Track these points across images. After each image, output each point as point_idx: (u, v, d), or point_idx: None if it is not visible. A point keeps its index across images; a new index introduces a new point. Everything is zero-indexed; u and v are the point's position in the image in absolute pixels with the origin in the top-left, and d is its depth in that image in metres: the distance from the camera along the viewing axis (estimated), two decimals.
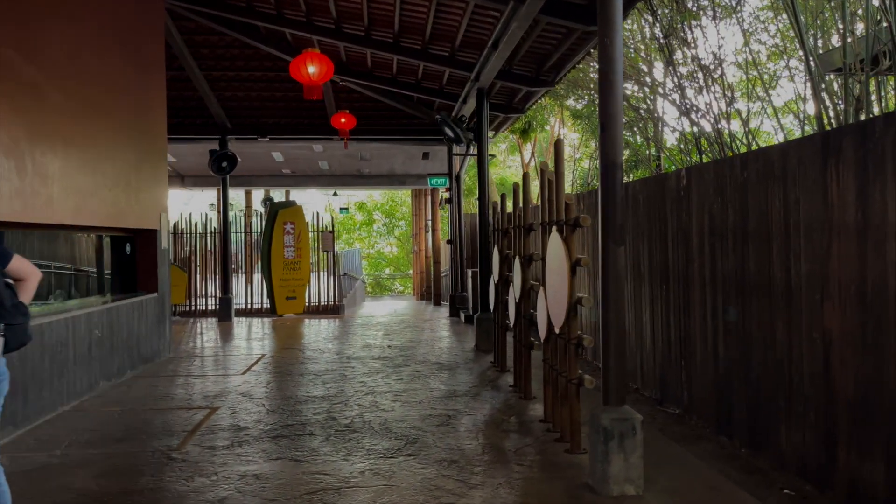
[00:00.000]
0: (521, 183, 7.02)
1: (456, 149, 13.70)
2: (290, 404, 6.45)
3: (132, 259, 8.81)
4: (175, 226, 15.15)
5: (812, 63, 6.70)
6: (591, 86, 13.11)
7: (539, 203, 6.08)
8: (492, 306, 8.46)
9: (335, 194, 24.22)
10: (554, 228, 5.29)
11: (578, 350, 5.04)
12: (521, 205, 6.82)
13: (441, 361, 8.68)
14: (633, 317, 7.44)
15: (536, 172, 22.99)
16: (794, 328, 4.49)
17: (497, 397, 6.68)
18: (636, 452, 4.04)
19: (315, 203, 44.37)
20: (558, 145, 5.24)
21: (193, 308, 14.90)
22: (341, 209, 29.82)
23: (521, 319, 6.75)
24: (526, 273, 6.59)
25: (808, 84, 6.95)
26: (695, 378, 5.98)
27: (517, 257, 6.85)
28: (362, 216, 38.87)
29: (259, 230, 15.52)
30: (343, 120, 11.59)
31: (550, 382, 5.66)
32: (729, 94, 9.33)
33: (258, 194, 24.69)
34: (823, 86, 7.04)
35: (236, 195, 26.36)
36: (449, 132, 9.43)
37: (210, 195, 22.33)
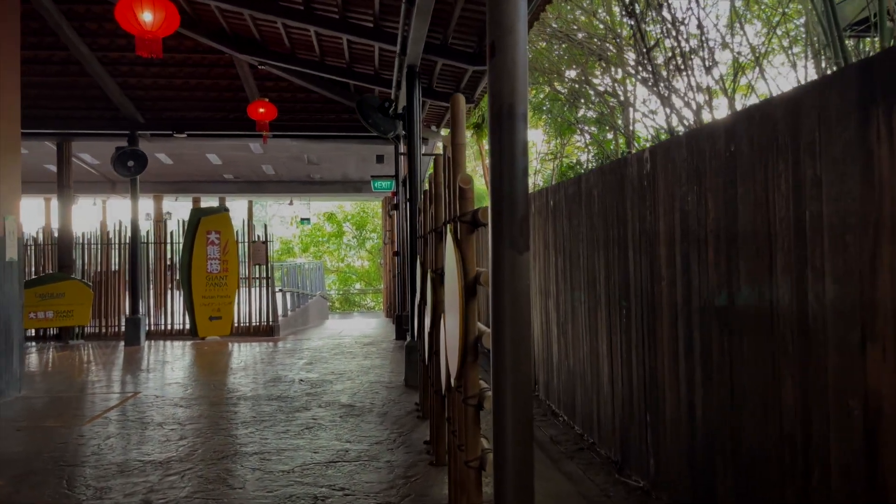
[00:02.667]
0: (439, 167, 5.24)
1: (403, 148, 12.00)
2: (102, 478, 4.63)
3: None
4: (82, 236, 13.28)
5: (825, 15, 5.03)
6: (546, 65, 11.42)
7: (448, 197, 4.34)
8: (416, 333, 6.73)
9: (290, 203, 22.40)
10: (448, 229, 3.57)
11: (479, 412, 3.31)
12: (432, 201, 5.09)
13: (353, 403, 6.90)
14: (587, 349, 5.72)
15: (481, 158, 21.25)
16: (814, 386, 2.77)
17: (401, 462, 4.90)
18: None
19: (279, 215, 42.55)
20: (455, 102, 3.50)
21: (104, 330, 13.02)
22: (302, 220, 28.02)
23: (434, 356, 5.01)
24: (438, 293, 4.84)
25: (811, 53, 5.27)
26: (664, 441, 4.25)
27: (428, 271, 5.12)
28: (332, 227, 37.04)
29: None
30: (262, 110, 9.85)
31: (452, 454, 3.92)
32: (714, 75, 7.71)
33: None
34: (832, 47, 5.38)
35: (176, 206, 24.44)
36: (368, 122, 7.71)
37: (147, 204, 20.48)
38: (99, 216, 18.75)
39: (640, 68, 8.72)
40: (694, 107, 7.08)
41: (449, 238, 3.48)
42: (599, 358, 5.48)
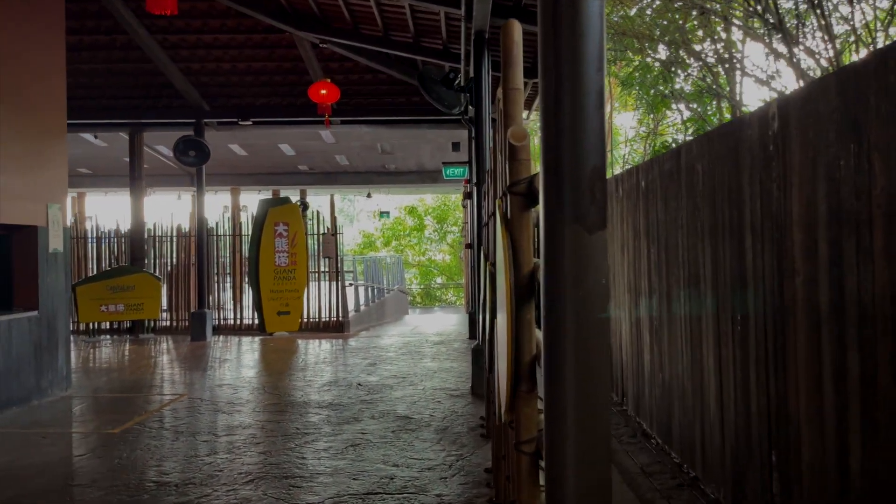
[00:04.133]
0: (496, 130, 4.28)
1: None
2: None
3: (1, 265, 6.59)
4: (153, 228, 13.09)
5: None
6: (640, 28, 10.00)
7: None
8: (480, 336, 5.85)
9: (369, 195, 21.93)
10: (497, 206, 2.64)
11: (537, 462, 2.37)
12: (493, 178, 4.15)
13: (411, 414, 6.06)
14: (687, 361, 4.64)
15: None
16: None
17: (453, 498, 4.01)
18: None
19: (367, 209, 42.56)
20: (508, 30, 2.54)
21: (175, 324, 12.79)
22: (382, 213, 27.61)
23: (493, 368, 4.08)
24: (493, 291, 3.89)
25: None
26: (799, 493, 3.16)
27: (488, 264, 4.20)
28: (413, 221, 36.52)
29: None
30: (323, 91, 9.17)
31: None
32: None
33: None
34: None
35: (256, 199, 24.29)
36: (431, 96, 6.82)
37: (225, 197, 20.45)
38: (180, 210, 18.84)
39: (755, 17, 7.28)
40: (826, 60, 5.77)
41: (497, 217, 2.55)
42: (704, 374, 4.39)
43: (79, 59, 10.17)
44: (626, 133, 17.09)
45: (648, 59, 10.86)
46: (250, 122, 11.40)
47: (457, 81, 6.83)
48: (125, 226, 12.78)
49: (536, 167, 2.04)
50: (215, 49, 10.03)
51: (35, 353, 6.60)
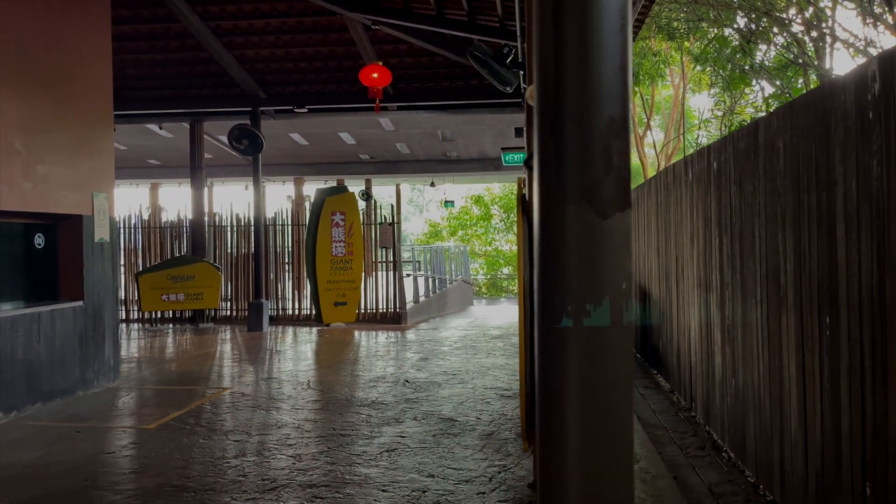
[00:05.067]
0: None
1: None
2: None
3: (46, 255, 6.54)
4: (214, 217, 13.12)
5: None
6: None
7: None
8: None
9: (432, 184, 21.57)
10: (518, 182, 2.18)
11: None
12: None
13: (455, 416, 5.65)
14: (764, 367, 4.05)
15: (662, 156, 18.72)
16: None
17: None
18: None
19: (433, 198, 42.34)
20: None
21: (235, 313, 12.79)
22: (446, 202, 27.21)
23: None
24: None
25: None
26: None
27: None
28: (480, 210, 36.01)
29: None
30: (375, 75, 8.80)
31: None
32: None
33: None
34: None
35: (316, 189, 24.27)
36: (485, 70, 6.36)
37: (289, 187, 20.52)
38: (248, 200, 18.96)
39: None
40: None
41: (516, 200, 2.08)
42: (784, 383, 3.78)
43: (136, 48, 10.19)
44: (701, 115, 16.02)
45: (726, 31, 9.93)
46: (306, 110, 11.20)
47: (510, 58, 6.35)
48: (187, 216, 12.87)
49: None
50: (268, 35, 9.83)
51: (80, 344, 6.53)
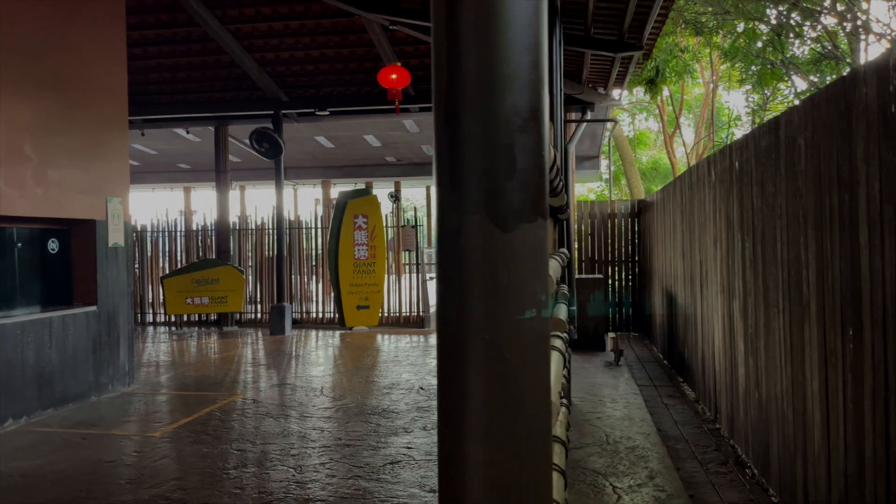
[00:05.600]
0: None
1: (570, 113, 10.31)
2: None
3: (60, 260, 6.55)
4: (238, 221, 13.14)
5: None
6: None
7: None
8: None
9: None
10: None
11: None
12: None
13: None
14: (787, 380, 3.80)
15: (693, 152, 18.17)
16: None
17: None
18: None
19: None
20: None
21: (260, 316, 12.79)
22: None
23: None
24: None
25: None
26: None
27: None
28: None
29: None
30: (393, 76, 8.67)
31: None
32: None
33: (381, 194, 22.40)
34: None
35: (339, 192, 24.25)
36: None
37: (316, 190, 20.53)
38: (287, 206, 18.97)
39: None
40: None
41: None
42: (806, 398, 3.51)
43: (159, 53, 10.24)
44: (732, 114, 15.50)
45: (756, 24, 9.51)
46: (328, 113, 11.13)
47: None
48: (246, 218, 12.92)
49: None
50: (287, 37, 9.77)
51: (93, 349, 6.52)
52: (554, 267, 2.04)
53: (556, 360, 2.11)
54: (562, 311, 3.53)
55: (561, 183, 2.45)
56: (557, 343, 2.41)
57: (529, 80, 0.85)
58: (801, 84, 10.69)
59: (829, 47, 7.87)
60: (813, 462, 3.47)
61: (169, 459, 4.74)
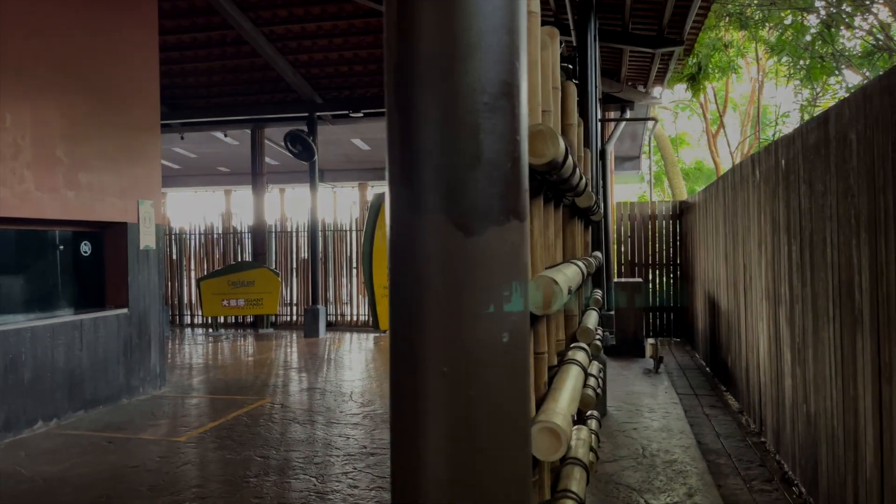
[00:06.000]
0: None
1: (599, 112, 10.01)
2: None
3: (93, 263, 6.58)
4: (276, 224, 13.17)
5: None
6: None
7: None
8: None
9: None
10: None
11: None
12: None
13: None
14: (837, 394, 3.52)
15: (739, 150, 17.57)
16: None
17: None
18: None
19: None
20: None
21: (296, 318, 12.80)
22: None
23: None
24: None
25: None
26: None
27: None
28: None
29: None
30: None
31: None
32: None
33: None
34: None
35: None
36: None
37: (355, 192, 20.54)
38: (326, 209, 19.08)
39: None
40: None
41: None
42: (858, 415, 3.23)
43: (195, 57, 10.30)
44: (779, 111, 14.94)
45: (805, 17, 9.03)
46: (361, 114, 11.06)
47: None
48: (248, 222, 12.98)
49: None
50: (320, 38, 9.72)
51: (124, 352, 6.53)
52: (572, 274, 1.85)
53: (574, 375, 1.92)
54: (591, 319, 3.32)
55: (584, 181, 2.25)
56: (579, 356, 2.22)
57: (499, 49, 0.68)
58: (852, 78, 10.20)
59: (882, 39, 7.43)
60: (865, 483, 3.19)
61: (191, 465, 4.67)
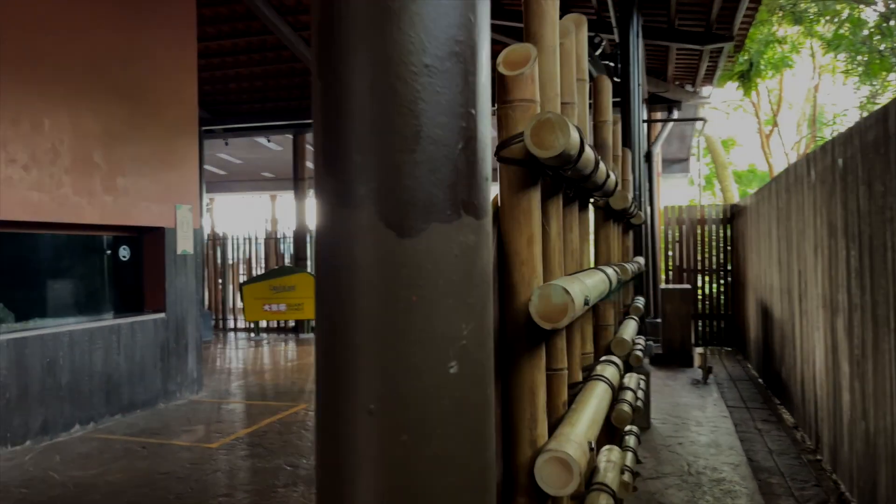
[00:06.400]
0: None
1: (645, 113, 9.72)
2: None
3: (132, 267, 6.63)
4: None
5: None
6: None
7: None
8: None
9: None
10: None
11: None
12: None
13: None
14: (882, 408, 3.22)
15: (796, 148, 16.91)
16: None
17: None
18: None
19: None
20: None
21: None
22: None
23: None
24: None
25: None
26: None
27: None
28: None
29: None
30: None
31: None
32: None
33: None
34: None
35: None
36: None
37: None
38: None
39: None
40: None
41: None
42: None
43: (235, 62, 10.39)
44: (835, 108, 14.27)
45: (863, 10, 8.51)
46: None
47: (598, 50, 5.70)
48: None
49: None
50: None
51: (162, 356, 6.55)
52: (594, 282, 1.67)
53: (598, 394, 1.74)
54: (628, 329, 3.11)
55: (612, 179, 2.07)
56: (608, 371, 2.03)
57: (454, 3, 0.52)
58: None
59: None
60: None
61: (221, 473, 4.61)
